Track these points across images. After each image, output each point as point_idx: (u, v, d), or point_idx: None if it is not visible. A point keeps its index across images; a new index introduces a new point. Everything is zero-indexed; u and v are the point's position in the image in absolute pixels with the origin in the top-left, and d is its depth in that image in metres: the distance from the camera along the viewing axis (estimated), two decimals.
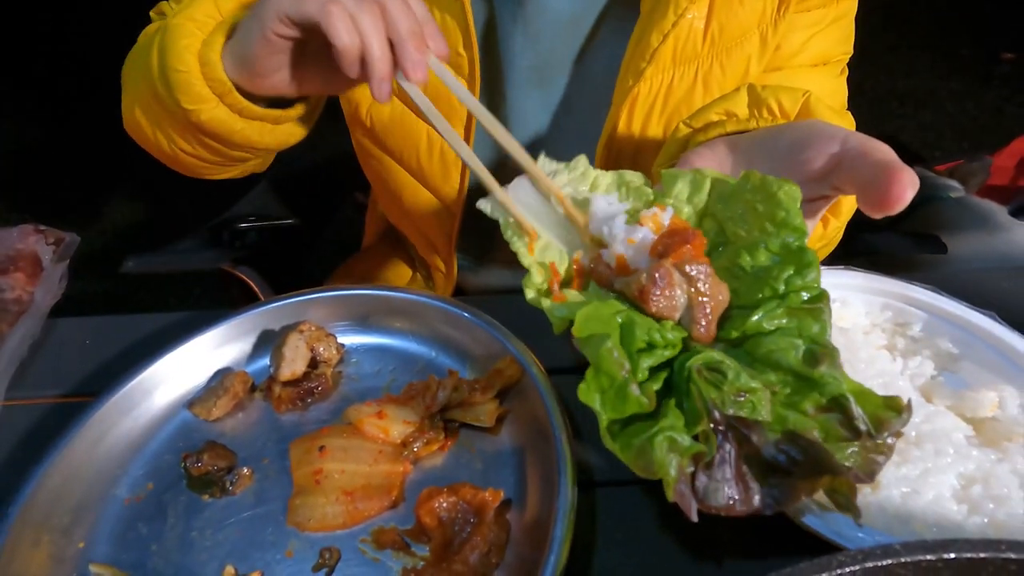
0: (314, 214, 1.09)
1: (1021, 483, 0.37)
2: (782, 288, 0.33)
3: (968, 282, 0.55)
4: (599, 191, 0.43)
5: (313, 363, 0.51)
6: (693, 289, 0.34)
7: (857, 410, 0.30)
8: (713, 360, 0.32)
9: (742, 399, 0.31)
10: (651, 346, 0.33)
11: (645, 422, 0.31)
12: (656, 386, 0.32)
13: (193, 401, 0.50)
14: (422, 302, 0.53)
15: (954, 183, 1.58)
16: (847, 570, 0.27)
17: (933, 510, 0.36)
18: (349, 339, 0.54)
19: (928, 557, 0.27)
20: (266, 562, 0.41)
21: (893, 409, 0.30)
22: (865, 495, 0.37)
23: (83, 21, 2.41)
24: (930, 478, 0.37)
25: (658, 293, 0.34)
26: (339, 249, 0.98)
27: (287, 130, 0.54)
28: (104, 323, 0.59)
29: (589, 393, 0.32)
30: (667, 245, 0.35)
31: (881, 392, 0.42)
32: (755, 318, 0.33)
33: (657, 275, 0.34)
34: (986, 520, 0.36)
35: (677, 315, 0.34)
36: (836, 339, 0.46)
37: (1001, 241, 1.30)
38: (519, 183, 0.44)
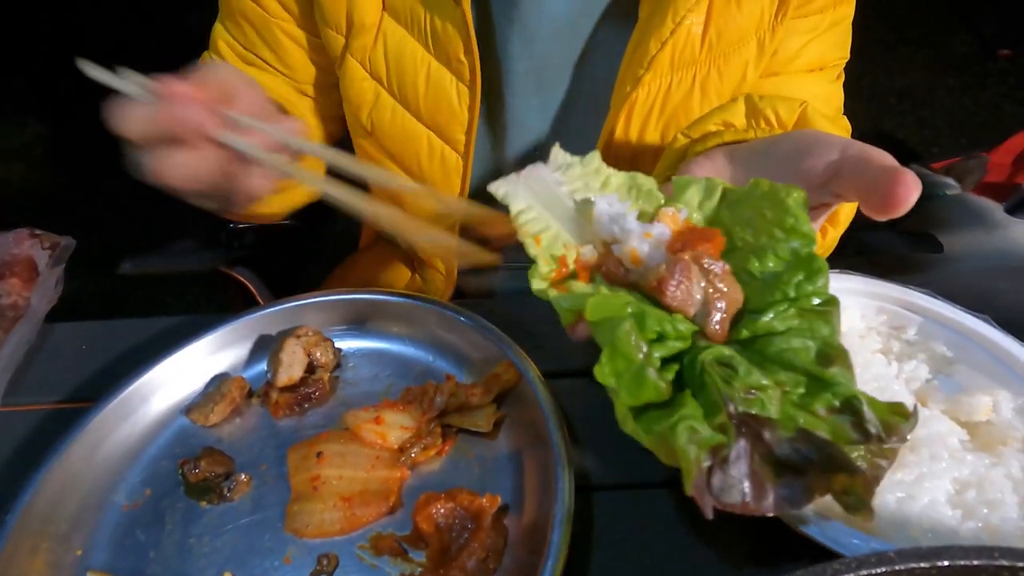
0: (312, 214, 1.09)
1: (1015, 487, 0.37)
2: (793, 293, 0.33)
3: (964, 284, 0.55)
4: (610, 190, 0.42)
5: (310, 368, 0.51)
6: (710, 285, 0.34)
7: (869, 413, 0.30)
8: (724, 356, 0.32)
9: (752, 396, 0.31)
10: (662, 337, 0.33)
11: (660, 411, 0.31)
12: (669, 376, 0.32)
13: (190, 407, 0.50)
14: (419, 306, 0.53)
15: (951, 181, 1.58)
16: None
17: (928, 515, 0.36)
18: (346, 344, 0.54)
19: (922, 564, 0.27)
20: (264, 568, 0.41)
21: (900, 415, 0.30)
22: None
23: (83, 21, 2.40)
24: (925, 483, 0.37)
25: (675, 285, 0.33)
26: (337, 249, 0.98)
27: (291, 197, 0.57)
28: (101, 328, 0.59)
29: (605, 375, 0.31)
30: (686, 241, 0.35)
31: (877, 396, 0.43)
32: (767, 318, 0.33)
33: (677, 267, 0.34)
34: (980, 525, 0.36)
35: (692, 310, 0.34)
36: None
37: (998, 238, 1.30)
38: (532, 171, 0.44)
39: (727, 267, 0.34)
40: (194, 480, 0.45)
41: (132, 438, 0.48)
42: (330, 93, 0.68)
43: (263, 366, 0.53)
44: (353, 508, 0.43)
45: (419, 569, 0.40)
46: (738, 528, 0.41)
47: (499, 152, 0.66)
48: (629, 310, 0.33)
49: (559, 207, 0.42)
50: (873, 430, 0.30)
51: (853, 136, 0.66)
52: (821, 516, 0.35)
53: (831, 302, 0.33)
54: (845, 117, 0.65)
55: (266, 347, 0.53)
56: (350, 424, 0.47)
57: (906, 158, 1.73)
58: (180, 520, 0.44)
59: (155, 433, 0.49)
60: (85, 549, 0.42)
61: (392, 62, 0.58)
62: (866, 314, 0.50)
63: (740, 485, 0.29)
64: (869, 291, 0.50)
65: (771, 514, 0.29)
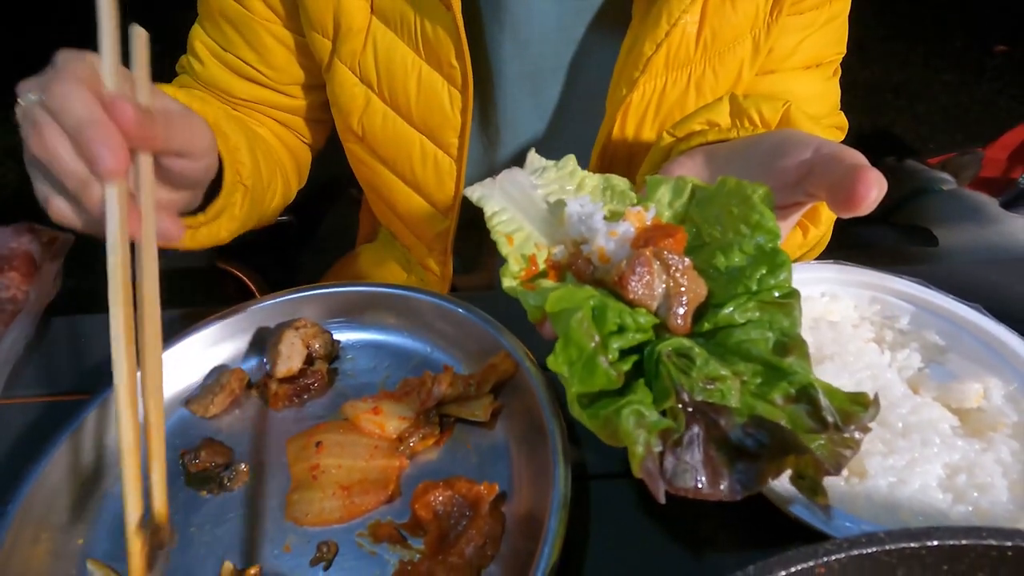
0: (309, 210, 1.09)
1: (1004, 472, 0.38)
2: (755, 287, 0.34)
3: (956, 275, 0.56)
4: (585, 192, 0.43)
5: (309, 360, 0.51)
6: (672, 280, 0.34)
7: (825, 401, 0.30)
8: (683, 346, 0.32)
9: (711, 387, 0.31)
10: (622, 329, 0.34)
11: (613, 398, 0.32)
12: (625, 367, 0.33)
13: (190, 399, 0.50)
14: (417, 298, 0.54)
15: (946, 176, 1.59)
16: (833, 558, 0.28)
17: (919, 499, 0.37)
18: (345, 335, 0.55)
19: (912, 544, 0.28)
20: (264, 557, 0.42)
21: (860, 404, 0.30)
22: (852, 485, 0.38)
23: (75, 20, 2.39)
24: (916, 468, 0.38)
25: (636, 280, 0.34)
26: (334, 245, 0.98)
27: (208, 233, 0.55)
28: (99, 321, 0.59)
29: (558, 363, 0.32)
30: (649, 237, 0.36)
31: (870, 384, 0.44)
32: (727, 311, 0.34)
33: (637, 261, 0.34)
34: (971, 508, 0.36)
35: (655, 304, 0.35)
36: (825, 333, 0.47)
37: (993, 233, 1.31)
38: (508, 175, 0.44)
39: (689, 262, 0.35)
40: (194, 470, 0.46)
41: None
42: (315, 95, 0.67)
43: (262, 358, 0.53)
44: (352, 496, 0.43)
45: (418, 556, 0.40)
46: (731, 513, 0.41)
47: (492, 156, 0.66)
48: (592, 303, 0.34)
49: (533, 209, 0.42)
50: (830, 419, 0.30)
51: (850, 131, 0.66)
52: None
53: (792, 295, 0.34)
54: (842, 113, 0.65)
55: (265, 339, 0.53)
56: (349, 414, 0.48)
57: (902, 153, 1.74)
58: (181, 510, 0.44)
59: None
60: (86, 539, 0.43)
61: (382, 67, 0.58)
62: (860, 304, 0.50)
63: (693, 470, 0.30)
64: (863, 281, 0.50)
65: (726, 499, 0.30)
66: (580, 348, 0.32)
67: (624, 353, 0.34)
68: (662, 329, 0.35)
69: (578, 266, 0.38)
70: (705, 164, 0.45)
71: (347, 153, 0.69)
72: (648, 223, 0.38)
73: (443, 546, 0.40)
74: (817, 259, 0.53)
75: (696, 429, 0.30)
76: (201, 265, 0.95)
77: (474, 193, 0.43)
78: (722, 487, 0.30)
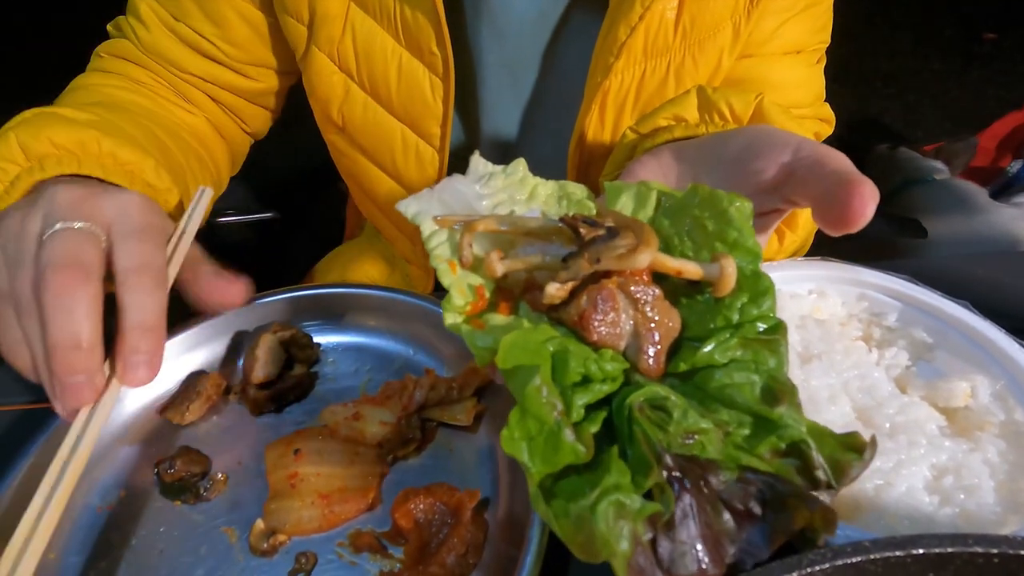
0: (295, 207, 1.07)
1: (991, 473, 0.37)
2: (736, 317, 0.29)
3: (944, 270, 0.55)
4: (538, 201, 0.39)
5: (288, 364, 0.50)
6: (640, 315, 0.30)
7: (818, 458, 0.27)
8: (657, 396, 0.27)
9: (690, 441, 0.27)
10: (587, 380, 0.28)
11: (583, 475, 0.27)
12: (594, 428, 0.28)
13: (165, 405, 0.49)
14: (399, 300, 0.52)
15: (940, 165, 1.59)
16: (817, 568, 0.27)
17: (905, 502, 0.36)
18: (325, 338, 0.53)
19: (897, 553, 0.27)
20: (241, 568, 0.41)
21: (853, 450, 0.26)
22: None
23: (46, 22, 2.34)
24: (903, 470, 0.37)
25: (600, 319, 0.29)
26: (321, 241, 0.97)
27: None
28: None
29: (514, 442, 0.26)
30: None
31: (857, 384, 0.43)
32: (707, 349, 0.29)
33: (599, 297, 0.29)
34: (957, 511, 0.36)
35: (622, 344, 0.30)
36: (813, 331, 0.47)
37: (981, 223, 1.31)
38: (448, 183, 0.39)
39: (659, 292, 0.30)
40: (169, 480, 0.45)
41: (106, 438, 0.47)
42: (273, 80, 0.65)
43: (240, 362, 0.52)
44: (331, 505, 0.42)
45: (398, 565, 0.40)
46: None
47: (474, 146, 0.65)
48: (551, 348, 0.28)
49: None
50: (822, 477, 0.26)
51: (839, 120, 0.65)
52: None
53: (778, 328, 0.29)
54: (827, 105, 0.64)
55: (243, 343, 0.52)
56: (328, 420, 0.47)
57: (892, 142, 1.74)
58: (155, 520, 0.43)
59: (129, 433, 0.48)
60: (59, 552, 0.42)
61: (362, 54, 0.56)
62: (847, 301, 0.49)
63: (693, 549, 0.25)
64: (850, 278, 0.49)
65: (734, 573, 0.26)
66: (540, 421, 0.27)
67: (591, 407, 0.28)
68: (633, 372, 0.30)
69: (533, 296, 0.33)
70: (672, 164, 0.41)
71: (328, 145, 0.67)
72: None
73: (424, 556, 0.39)
74: (805, 255, 0.52)
75: (687, 499, 0.26)
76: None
77: (409, 209, 0.38)
78: (730, 559, 0.25)
